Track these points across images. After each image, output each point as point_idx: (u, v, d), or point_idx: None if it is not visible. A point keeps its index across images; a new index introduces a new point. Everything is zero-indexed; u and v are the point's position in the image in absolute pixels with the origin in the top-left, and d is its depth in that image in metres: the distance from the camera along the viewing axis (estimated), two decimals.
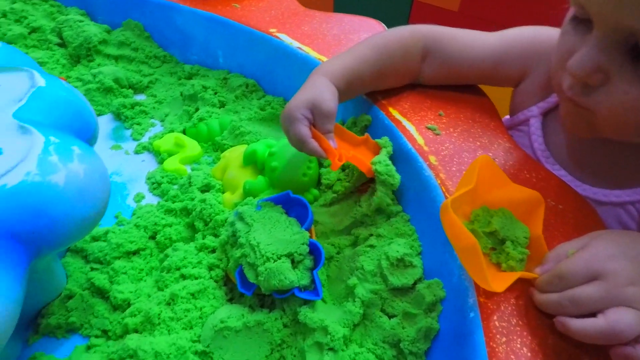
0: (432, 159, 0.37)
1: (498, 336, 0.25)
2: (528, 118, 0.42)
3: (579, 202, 0.33)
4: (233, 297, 0.37)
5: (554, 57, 0.34)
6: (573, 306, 0.24)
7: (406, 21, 1.43)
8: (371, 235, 0.37)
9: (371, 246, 0.36)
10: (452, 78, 0.44)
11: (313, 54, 0.52)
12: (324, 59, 0.51)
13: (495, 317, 0.26)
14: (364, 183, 0.43)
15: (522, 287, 0.27)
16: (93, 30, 0.66)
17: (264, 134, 0.54)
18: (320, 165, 0.46)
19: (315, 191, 0.44)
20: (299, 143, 0.37)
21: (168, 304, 0.34)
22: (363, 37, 0.55)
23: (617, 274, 0.24)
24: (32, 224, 0.22)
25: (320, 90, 0.38)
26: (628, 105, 0.28)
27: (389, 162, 0.38)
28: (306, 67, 0.52)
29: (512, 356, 0.24)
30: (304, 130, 0.36)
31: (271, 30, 0.57)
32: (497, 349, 0.24)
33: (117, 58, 0.68)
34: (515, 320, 0.26)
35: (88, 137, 0.32)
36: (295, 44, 0.54)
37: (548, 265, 0.26)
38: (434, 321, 0.29)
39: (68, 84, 0.32)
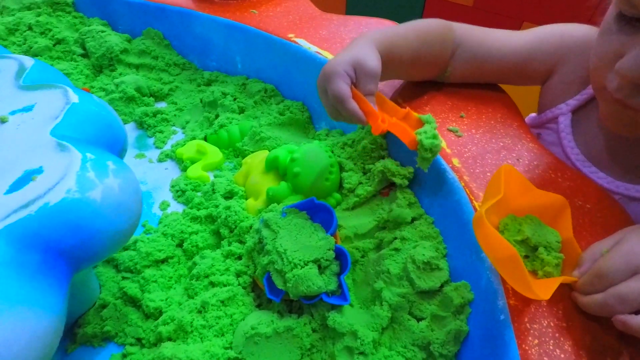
0: (455, 161, 0.37)
1: (530, 338, 0.25)
2: (557, 116, 0.41)
3: (607, 200, 0.32)
4: (261, 303, 0.38)
5: (595, 57, 0.33)
6: (620, 304, 0.24)
7: (421, 15, 1.42)
8: (395, 238, 0.38)
9: (396, 249, 0.36)
10: (478, 75, 0.43)
11: (331, 57, 0.52)
12: None
13: (526, 319, 0.26)
14: (386, 186, 0.43)
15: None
16: (114, 40, 0.67)
17: (284, 139, 0.55)
18: (342, 169, 0.46)
19: (337, 195, 0.44)
20: (337, 101, 0.34)
21: (199, 311, 0.35)
22: None
23: None
24: (74, 240, 0.23)
25: (364, 51, 0.36)
26: None
27: (437, 134, 0.35)
28: None
29: (545, 358, 0.24)
30: (344, 87, 0.34)
31: (289, 35, 0.57)
32: (529, 352, 0.24)
33: (138, 67, 0.69)
34: (546, 322, 0.25)
35: (119, 149, 0.33)
36: (313, 48, 0.54)
37: (585, 267, 0.26)
38: (463, 323, 0.29)
39: (99, 99, 0.33)
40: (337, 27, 0.57)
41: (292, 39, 0.56)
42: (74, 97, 0.30)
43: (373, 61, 0.35)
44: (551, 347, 0.24)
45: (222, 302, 0.36)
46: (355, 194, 0.43)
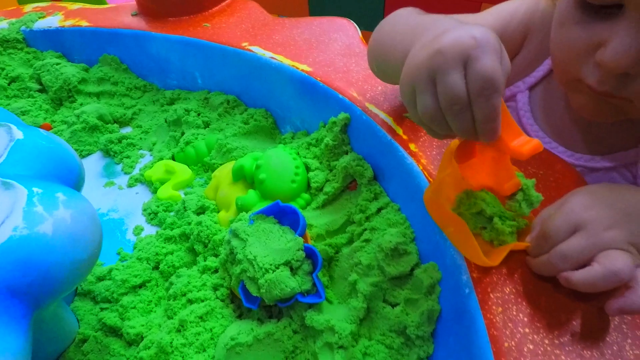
0: (412, 146, 0.37)
1: (494, 307, 0.25)
2: (515, 94, 0.42)
3: (568, 171, 0.33)
4: (242, 312, 0.38)
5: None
6: (563, 262, 0.24)
7: (382, 9, 1.43)
8: (365, 230, 0.38)
9: (366, 240, 0.37)
10: None
11: (286, 61, 0.52)
12: (298, 65, 0.51)
13: (489, 289, 0.26)
14: (353, 180, 0.44)
15: (511, 257, 0.28)
16: (71, 70, 0.67)
17: (252, 147, 0.55)
18: (308, 169, 0.46)
19: (306, 195, 0.45)
20: (485, 88, 0.22)
21: (178, 330, 0.35)
22: (334, 37, 0.55)
23: (595, 221, 0.24)
24: (26, 277, 0.22)
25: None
26: None
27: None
28: (281, 75, 0.53)
29: (509, 324, 0.24)
30: (500, 68, 0.22)
31: (243, 44, 0.57)
32: (494, 320, 0.25)
33: (98, 95, 0.69)
34: (508, 289, 0.26)
35: (74, 181, 0.32)
36: (268, 54, 0.54)
37: (535, 231, 0.27)
38: (434, 303, 0.30)
39: (47, 132, 0.33)
40: (290, 31, 0.58)
41: (246, 48, 0.56)
42: (18, 134, 0.29)
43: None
44: (514, 313, 0.25)
45: (201, 317, 0.35)
46: (324, 192, 0.44)
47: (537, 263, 0.26)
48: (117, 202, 0.54)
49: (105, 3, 1.24)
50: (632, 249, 0.24)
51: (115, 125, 0.64)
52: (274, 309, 0.37)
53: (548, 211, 0.27)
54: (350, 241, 0.40)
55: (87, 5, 0.74)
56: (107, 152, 0.61)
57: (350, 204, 0.42)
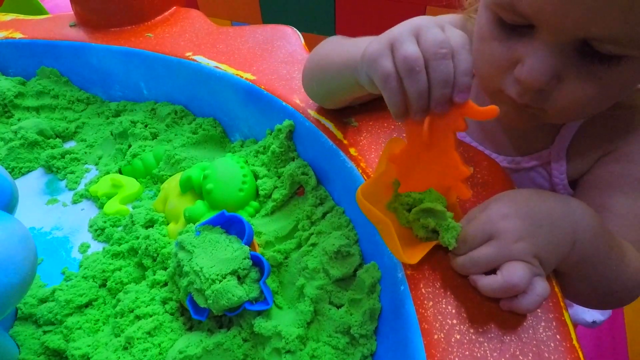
0: (352, 150, 0.38)
1: (425, 302, 0.27)
2: None
3: (490, 165, 0.36)
4: (192, 325, 0.38)
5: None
6: (474, 266, 0.27)
7: (333, 15, 1.46)
8: (312, 234, 0.39)
9: (313, 245, 0.38)
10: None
11: (231, 70, 0.52)
12: (242, 74, 0.51)
13: (422, 285, 0.28)
14: (300, 186, 0.44)
15: (443, 254, 0.29)
16: (5, 84, 0.64)
17: (201, 157, 0.54)
18: (257, 177, 0.47)
19: (255, 203, 0.45)
20: (457, 46, 0.25)
21: (125, 348, 0.34)
22: (277, 45, 0.56)
23: (507, 232, 0.26)
24: None
25: None
26: (583, 100, 0.28)
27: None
28: (226, 84, 0.53)
29: (439, 317, 0.26)
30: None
31: (187, 54, 0.57)
32: (425, 314, 0.26)
33: (38, 109, 0.66)
34: (439, 284, 0.28)
35: (5, 203, 0.31)
36: (212, 63, 0.54)
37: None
38: (375, 301, 0.31)
39: None
40: (234, 40, 0.58)
41: (190, 57, 0.56)
42: None
43: None
44: (444, 306, 0.27)
45: (149, 333, 0.35)
46: (272, 199, 0.44)
47: (453, 263, 0.28)
48: (61, 220, 0.52)
49: (46, 13, 1.18)
50: (535, 260, 0.26)
51: (58, 140, 0.62)
52: (224, 319, 0.37)
53: (473, 213, 0.29)
54: (298, 246, 0.41)
55: (21, 16, 0.71)
56: (49, 169, 0.58)
57: (299, 210, 0.43)
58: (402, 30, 0.26)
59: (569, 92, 0.29)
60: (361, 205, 0.28)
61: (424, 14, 1.25)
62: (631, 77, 0.28)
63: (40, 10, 1.13)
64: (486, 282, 0.26)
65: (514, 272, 0.25)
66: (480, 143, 0.41)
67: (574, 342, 0.24)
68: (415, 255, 0.27)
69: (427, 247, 0.28)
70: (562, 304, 0.26)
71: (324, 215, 0.40)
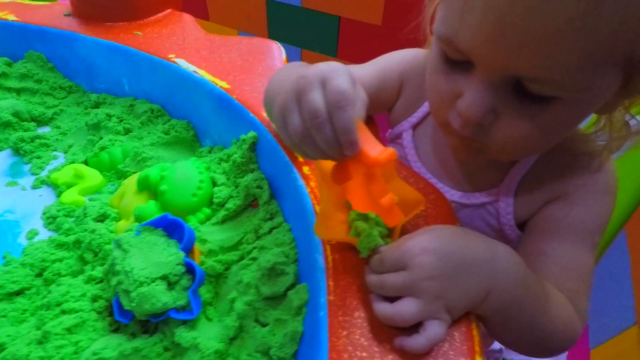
0: (305, 168, 0.38)
1: (340, 330, 0.26)
2: (401, 132, 0.45)
3: (436, 198, 0.35)
4: (119, 327, 0.37)
5: (433, 96, 0.34)
6: (381, 288, 0.27)
7: (337, 37, 1.49)
8: (255, 248, 0.38)
9: (254, 259, 0.37)
10: None
11: (208, 76, 0.53)
12: (218, 81, 0.52)
13: (340, 313, 0.27)
14: (255, 198, 0.44)
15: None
16: None
17: (168, 158, 0.54)
18: (215, 184, 0.46)
19: (207, 210, 0.44)
20: (340, 102, 0.25)
21: (40, 342, 0.33)
22: (259, 57, 0.56)
23: (421, 267, 0.26)
24: None
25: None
26: (520, 137, 0.29)
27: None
28: (201, 90, 0.53)
29: (349, 347, 0.25)
30: (352, 87, 0.25)
31: (170, 55, 0.57)
32: (337, 342, 0.26)
33: (19, 91, 0.66)
34: (357, 314, 0.27)
35: None
36: (192, 68, 0.55)
37: (384, 249, 0.29)
38: (299, 324, 0.30)
39: None
40: (218, 48, 0.59)
41: (172, 59, 0.56)
42: None
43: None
44: (357, 337, 0.26)
45: (68, 329, 0.34)
46: (225, 208, 0.44)
47: (367, 279, 0.29)
48: (16, 203, 0.51)
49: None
50: (437, 303, 0.26)
51: (33, 123, 0.62)
52: (151, 325, 0.36)
53: (403, 239, 0.29)
54: (241, 259, 0.40)
55: (20, 0, 0.72)
56: (16, 151, 0.58)
57: (250, 222, 0.42)
58: (311, 78, 0.26)
59: (505, 129, 0.29)
60: (324, 238, 0.29)
61: (424, 46, 1.28)
62: (564, 118, 0.29)
63: None
64: (379, 307, 0.27)
65: (406, 306, 0.26)
66: (436, 176, 0.42)
67: None
68: (326, 233, 0.28)
69: (341, 235, 0.29)
70: (477, 348, 0.26)
71: (271, 230, 0.40)
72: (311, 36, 1.59)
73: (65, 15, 0.68)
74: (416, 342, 0.25)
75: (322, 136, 0.25)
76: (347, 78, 0.25)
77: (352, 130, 0.25)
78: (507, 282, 0.28)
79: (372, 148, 0.25)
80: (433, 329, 0.26)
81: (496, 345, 0.56)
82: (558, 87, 0.26)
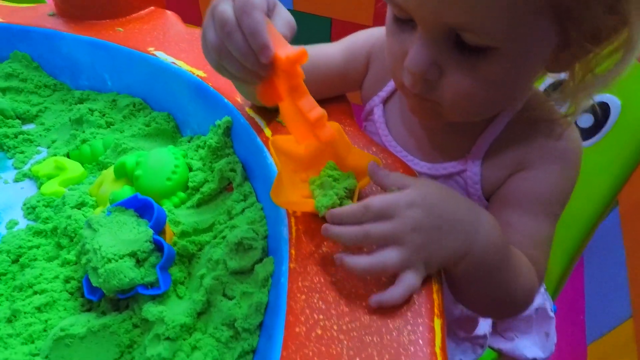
0: None
1: (298, 294, 0.26)
2: (372, 108, 0.45)
3: (405, 171, 0.35)
4: (91, 307, 0.37)
5: (388, 58, 0.35)
6: (365, 237, 0.27)
7: (329, 39, 1.50)
8: (226, 227, 0.38)
9: (224, 237, 0.37)
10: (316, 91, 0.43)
11: (185, 67, 0.53)
12: (195, 70, 0.52)
13: (300, 279, 0.27)
14: (230, 182, 0.44)
15: (330, 250, 0.29)
16: None
17: (148, 148, 0.54)
18: (191, 169, 0.47)
19: (182, 194, 0.45)
20: (246, 6, 0.25)
21: (9, 321, 0.33)
22: None
23: (410, 218, 0.27)
24: None
25: None
26: (465, 93, 0.30)
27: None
28: (179, 80, 0.54)
29: (307, 310, 0.25)
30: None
31: (149, 49, 0.58)
32: (295, 306, 0.26)
33: (4, 90, 0.67)
34: (317, 279, 0.27)
35: None
36: (170, 59, 0.55)
37: (367, 199, 0.28)
38: (264, 295, 0.30)
39: None
40: (197, 40, 0.59)
41: (151, 52, 0.57)
42: None
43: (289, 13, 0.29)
44: (315, 301, 0.26)
45: (38, 308, 0.34)
46: (200, 192, 0.44)
47: (332, 230, 0.28)
48: None
49: (43, 0, 1.22)
50: (417, 254, 0.27)
51: (17, 121, 0.62)
52: (122, 303, 0.36)
53: (393, 190, 0.29)
54: (214, 239, 0.40)
55: (3, 3, 0.73)
56: (0, 147, 0.58)
57: (224, 205, 0.43)
58: None
59: (451, 83, 0.30)
60: (278, 203, 0.29)
61: None
62: (504, 71, 0.29)
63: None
64: (355, 259, 0.26)
65: (389, 254, 0.26)
66: (405, 147, 0.42)
67: (437, 349, 0.23)
68: (280, 196, 0.29)
69: (296, 198, 0.30)
70: (436, 310, 0.26)
71: (243, 210, 0.40)
72: (303, 38, 1.60)
73: (49, 15, 0.69)
74: (393, 293, 0.26)
75: (234, 45, 0.25)
76: None
77: (260, 32, 0.25)
78: (486, 246, 0.28)
79: (284, 49, 0.25)
80: (409, 279, 0.26)
81: (480, 330, 0.55)
82: (490, 37, 0.27)
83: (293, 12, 1.50)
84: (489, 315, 0.35)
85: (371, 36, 0.45)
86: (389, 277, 0.27)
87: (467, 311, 0.52)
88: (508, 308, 0.34)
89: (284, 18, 0.28)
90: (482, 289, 0.31)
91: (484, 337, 0.55)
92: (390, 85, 0.44)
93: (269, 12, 0.28)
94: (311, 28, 1.50)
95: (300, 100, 0.27)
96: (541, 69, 0.31)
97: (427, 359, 0.23)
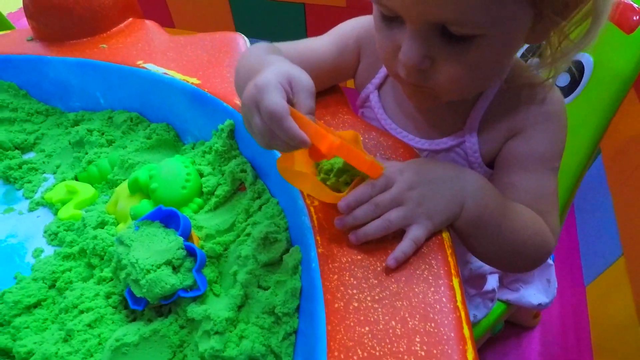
0: None
1: (331, 275, 0.29)
2: (368, 95, 0.47)
3: (405, 151, 0.38)
4: (136, 317, 0.39)
5: (380, 52, 0.37)
6: (375, 207, 0.32)
7: (304, 24, 1.50)
8: (248, 225, 0.41)
9: (248, 234, 0.40)
10: None
11: (178, 76, 0.55)
12: (188, 79, 0.54)
13: (329, 261, 0.30)
14: (242, 182, 0.47)
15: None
16: None
17: (153, 161, 0.56)
18: (202, 175, 0.49)
19: (198, 200, 0.47)
20: (274, 119, 0.28)
21: (65, 340, 0.36)
22: (224, 50, 0.58)
23: (403, 181, 0.32)
24: None
25: (290, 65, 0.33)
26: (457, 77, 0.33)
27: None
28: (174, 90, 0.55)
29: (341, 288, 0.29)
30: (281, 101, 0.28)
31: (138, 62, 0.59)
32: (330, 286, 0.29)
33: None
34: (345, 259, 0.30)
35: None
36: (161, 70, 0.57)
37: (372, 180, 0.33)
38: (297, 281, 0.33)
39: None
40: (183, 47, 0.60)
41: (141, 66, 0.58)
42: None
43: (307, 76, 0.32)
44: (347, 278, 0.29)
45: (89, 325, 0.37)
46: (215, 195, 0.47)
47: (354, 214, 0.32)
48: (16, 228, 0.53)
49: (11, 27, 1.20)
50: (418, 209, 0.32)
51: (17, 151, 0.63)
52: (164, 309, 0.39)
53: (393, 167, 0.34)
54: (237, 238, 0.43)
55: None
56: (6, 179, 0.60)
57: (240, 204, 0.45)
58: (248, 104, 0.30)
59: (443, 71, 0.33)
60: (282, 172, 0.32)
61: None
62: (491, 52, 0.32)
63: (7, 27, 1.14)
64: (369, 226, 0.31)
65: (394, 213, 0.31)
66: (404, 128, 0.45)
67: (458, 303, 0.27)
68: (339, 196, 0.32)
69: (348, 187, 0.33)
70: (453, 271, 0.29)
71: (260, 207, 0.42)
72: (278, 27, 1.60)
73: (28, 40, 0.69)
74: (402, 246, 0.30)
75: (278, 144, 0.30)
76: (274, 93, 0.29)
77: (294, 135, 0.28)
78: (477, 191, 0.33)
79: (321, 142, 0.29)
80: (413, 231, 0.31)
81: (489, 286, 0.59)
82: (474, 26, 0.29)
83: (265, 2, 1.49)
84: (508, 269, 0.39)
85: (357, 26, 0.46)
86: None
87: (475, 270, 0.56)
88: (523, 260, 0.37)
89: (305, 89, 0.31)
90: (490, 242, 0.35)
91: (493, 291, 0.60)
92: (382, 72, 0.46)
93: (292, 94, 0.31)
94: (285, 15, 1.49)
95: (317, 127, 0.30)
96: (521, 42, 0.33)
97: (452, 313, 0.26)
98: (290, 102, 0.30)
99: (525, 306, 0.63)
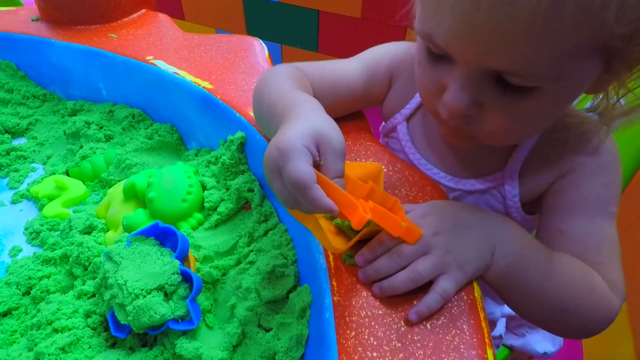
0: None
1: (348, 331, 0.26)
2: (395, 125, 0.44)
3: (433, 189, 0.35)
4: (115, 342, 0.35)
5: (421, 88, 0.34)
6: (398, 257, 0.29)
7: (317, 32, 1.47)
8: (251, 251, 0.37)
9: (251, 262, 0.36)
10: (333, 109, 0.39)
11: (189, 77, 0.51)
12: (200, 82, 0.50)
13: (347, 313, 0.27)
14: (247, 201, 0.43)
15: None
16: None
17: (153, 163, 0.52)
18: (204, 188, 0.45)
19: (199, 215, 0.43)
20: (298, 188, 0.25)
21: None
22: (240, 55, 0.55)
23: (426, 227, 0.29)
24: None
25: (323, 119, 0.29)
26: (505, 127, 0.30)
27: None
28: (183, 91, 0.51)
29: (359, 348, 0.25)
30: (307, 169, 0.25)
31: (147, 57, 0.55)
32: (346, 344, 0.25)
33: None
34: (364, 313, 0.27)
35: None
36: (171, 69, 0.53)
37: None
38: (304, 327, 0.30)
39: None
40: (198, 47, 0.57)
41: (150, 61, 0.55)
42: None
43: (338, 133, 0.28)
44: (366, 337, 0.26)
45: (62, 349, 0.33)
46: (217, 212, 0.43)
47: (375, 265, 0.29)
48: None
49: (20, 3, 1.15)
50: (447, 257, 0.28)
51: (7, 135, 0.59)
52: (149, 337, 0.35)
53: (415, 212, 0.31)
54: (238, 263, 0.39)
55: None
56: None
57: (244, 225, 0.42)
58: (270, 167, 0.27)
59: (491, 119, 0.30)
60: (292, 213, 0.28)
61: (403, 37, 1.27)
62: (546, 106, 0.29)
63: (15, 3, 1.10)
64: (395, 279, 0.28)
65: (421, 263, 0.28)
66: (435, 165, 0.41)
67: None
68: (344, 244, 0.29)
69: (355, 237, 0.29)
70: (487, 340, 0.26)
71: (266, 232, 0.39)
72: (291, 31, 1.57)
73: (32, 20, 0.65)
74: (428, 299, 0.27)
75: (304, 209, 0.27)
76: (298, 158, 0.26)
77: (320, 204, 0.25)
78: (508, 236, 0.30)
79: (351, 214, 0.26)
80: (441, 284, 0.28)
81: (496, 331, 0.56)
82: (536, 79, 0.26)
83: (280, 5, 1.47)
84: (564, 333, 0.34)
85: (390, 53, 0.43)
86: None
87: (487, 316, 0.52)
88: (579, 321, 0.31)
89: (334, 150, 0.27)
90: (530, 297, 0.30)
91: (500, 337, 0.56)
92: (414, 102, 0.43)
93: (319, 155, 0.28)
94: (298, 20, 1.46)
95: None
96: (580, 94, 0.30)
97: None
98: (316, 164, 0.27)
99: (530, 353, 0.59)
